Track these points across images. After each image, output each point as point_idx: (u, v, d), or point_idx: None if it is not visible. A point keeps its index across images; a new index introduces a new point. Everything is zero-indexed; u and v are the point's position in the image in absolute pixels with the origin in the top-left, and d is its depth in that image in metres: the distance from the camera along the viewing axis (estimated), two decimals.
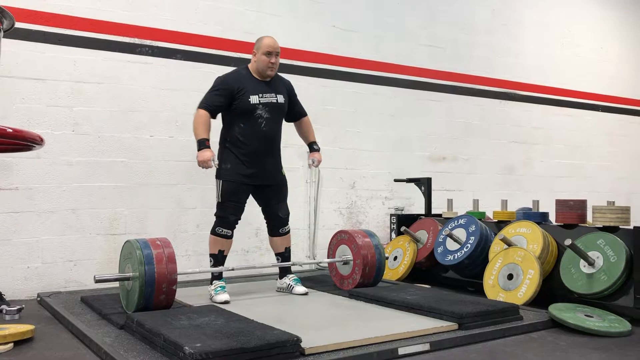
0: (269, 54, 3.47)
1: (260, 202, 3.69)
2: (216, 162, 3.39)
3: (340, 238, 3.88)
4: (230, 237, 3.51)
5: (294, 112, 3.77)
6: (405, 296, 3.24)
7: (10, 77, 3.74)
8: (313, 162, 3.78)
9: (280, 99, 3.59)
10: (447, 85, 5.74)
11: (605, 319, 2.94)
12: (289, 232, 3.73)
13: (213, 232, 3.50)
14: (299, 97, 3.81)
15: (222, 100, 3.46)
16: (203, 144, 3.36)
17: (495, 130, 6.08)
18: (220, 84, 3.51)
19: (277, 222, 3.68)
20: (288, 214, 3.72)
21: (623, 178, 7.09)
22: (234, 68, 4.49)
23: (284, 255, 3.72)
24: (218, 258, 3.50)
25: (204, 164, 3.34)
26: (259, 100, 3.49)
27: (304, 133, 3.86)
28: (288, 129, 4.81)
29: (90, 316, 3.05)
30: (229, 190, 3.47)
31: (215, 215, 3.52)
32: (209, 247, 3.52)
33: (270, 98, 3.53)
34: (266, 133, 3.52)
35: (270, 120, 3.53)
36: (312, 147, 3.82)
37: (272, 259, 4.11)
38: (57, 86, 3.90)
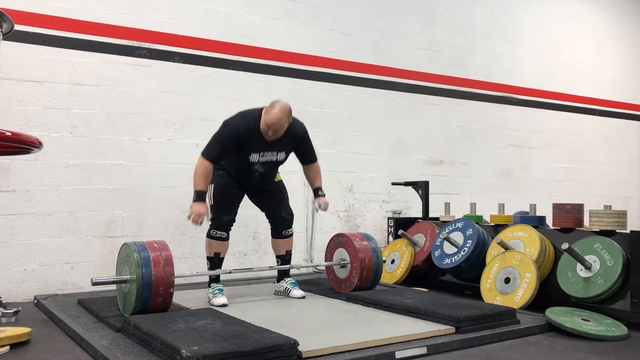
0: (268, 127, 3.27)
1: (260, 206, 3.70)
2: (209, 216, 3.37)
3: (338, 241, 3.88)
4: (226, 238, 3.50)
5: (303, 158, 3.64)
6: (403, 300, 3.24)
7: (8, 79, 3.74)
8: (320, 206, 3.61)
9: (281, 156, 3.50)
10: (445, 89, 5.75)
11: (602, 323, 2.94)
12: (292, 234, 3.72)
13: (208, 234, 3.50)
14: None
15: (227, 152, 3.37)
16: (201, 196, 3.28)
17: (493, 134, 6.10)
18: (227, 136, 3.32)
19: (280, 224, 3.66)
20: (291, 215, 3.69)
21: (620, 182, 7.11)
22: (231, 71, 4.56)
23: (284, 258, 3.71)
24: (214, 261, 3.50)
25: (197, 217, 3.22)
26: (258, 159, 3.42)
27: (311, 178, 3.69)
28: None
29: (87, 319, 3.04)
30: (220, 190, 3.46)
31: (209, 218, 3.52)
32: (206, 250, 3.52)
33: (270, 156, 3.44)
34: (260, 176, 3.51)
35: (265, 170, 3.51)
36: (317, 192, 3.65)
37: (270, 261, 4.12)
38: (55, 88, 3.90)
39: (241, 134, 3.31)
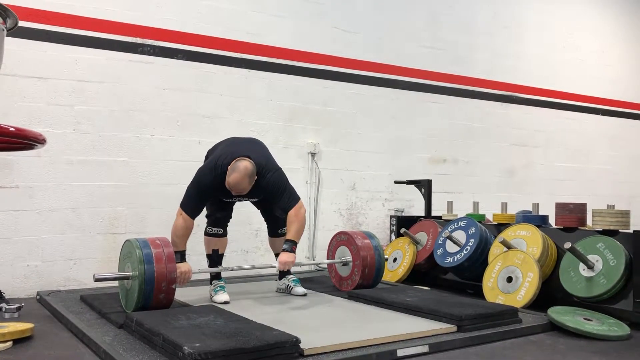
0: (230, 188, 3.22)
1: (256, 205, 3.72)
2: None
3: (340, 239, 3.88)
4: (223, 235, 3.50)
5: (279, 208, 3.47)
6: (405, 298, 3.24)
7: (12, 76, 3.74)
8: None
9: (255, 199, 3.51)
10: (448, 87, 5.74)
11: (604, 323, 2.94)
12: None
13: (205, 232, 3.51)
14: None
15: (203, 203, 3.36)
16: (183, 257, 3.24)
17: (496, 132, 6.08)
18: (202, 189, 3.29)
19: (274, 223, 3.69)
20: (287, 212, 3.67)
21: (623, 182, 7.08)
22: (235, 68, 4.56)
23: None
24: (213, 258, 3.50)
25: (186, 275, 3.17)
26: (233, 200, 3.47)
27: (286, 227, 3.42)
28: (287, 129, 4.83)
29: (89, 315, 3.05)
30: None
31: (205, 216, 3.52)
32: (205, 248, 3.53)
33: (244, 200, 3.49)
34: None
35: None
36: (282, 246, 3.36)
37: (272, 259, 4.11)
38: (58, 85, 3.90)
39: (211, 187, 3.28)
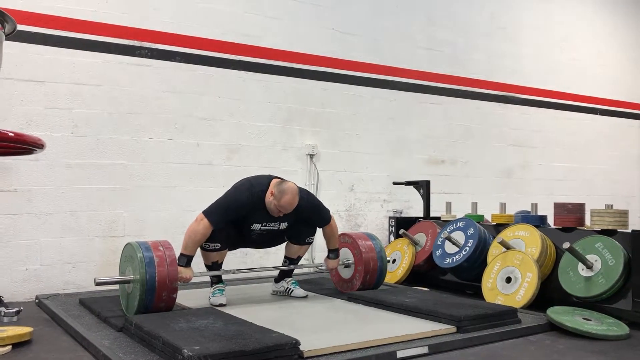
0: (279, 210, 3.29)
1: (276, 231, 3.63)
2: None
3: (343, 241, 3.87)
4: (221, 248, 3.37)
5: (314, 223, 3.62)
6: (404, 299, 3.24)
7: (9, 79, 3.74)
8: (323, 266, 3.79)
9: (283, 225, 3.48)
10: (446, 88, 5.75)
11: (603, 322, 2.94)
12: (312, 242, 3.70)
13: (202, 247, 3.34)
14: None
15: (229, 219, 3.31)
16: (189, 262, 3.21)
17: (494, 133, 6.09)
18: (233, 206, 3.29)
19: (305, 230, 3.60)
20: (314, 226, 3.64)
21: (621, 181, 7.09)
22: (232, 70, 4.56)
23: (293, 262, 3.68)
24: (213, 268, 3.43)
25: (185, 281, 3.18)
26: (260, 228, 3.44)
27: (325, 239, 3.69)
28: (286, 131, 4.83)
29: (88, 318, 3.05)
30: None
31: None
32: (203, 259, 3.42)
33: (272, 226, 3.45)
34: (258, 237, 3.52)
35: (264, 237, 3.53)
36: (328, 254, 3.71)
37: (271, 262, 4.12)
38: (56, 88, 3.90)
39: (246, 206, 3.29)
